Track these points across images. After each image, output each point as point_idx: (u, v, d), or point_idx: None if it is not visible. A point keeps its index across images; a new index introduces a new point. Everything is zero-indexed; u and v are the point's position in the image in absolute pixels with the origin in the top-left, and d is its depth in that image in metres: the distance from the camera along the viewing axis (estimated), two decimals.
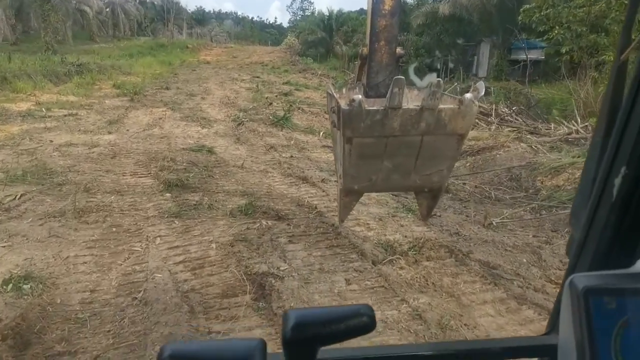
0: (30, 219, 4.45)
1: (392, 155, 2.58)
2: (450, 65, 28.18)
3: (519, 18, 13.00)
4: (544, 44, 22.06)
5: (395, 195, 5.68)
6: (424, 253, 4.01)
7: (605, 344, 0.63)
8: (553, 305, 0.85)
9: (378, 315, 3.08)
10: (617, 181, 0.70)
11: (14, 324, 2.75)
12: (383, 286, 3.46)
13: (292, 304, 3.19)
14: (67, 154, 6.98)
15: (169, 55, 30.41)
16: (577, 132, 7.33)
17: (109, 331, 2.88)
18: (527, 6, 12.97)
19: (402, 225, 4.74)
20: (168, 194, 5.35)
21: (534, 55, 23.23)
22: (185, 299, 3.23)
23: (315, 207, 5.14)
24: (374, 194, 5.65)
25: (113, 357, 2.66)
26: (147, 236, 4.24)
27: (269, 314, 3.13)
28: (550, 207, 5.20)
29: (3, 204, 4.75)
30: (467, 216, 4.97)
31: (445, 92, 2.62)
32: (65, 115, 10.46)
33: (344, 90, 3.25)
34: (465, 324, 2.99)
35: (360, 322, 0.63)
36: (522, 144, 7.00)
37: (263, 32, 71.90)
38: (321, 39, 35.55)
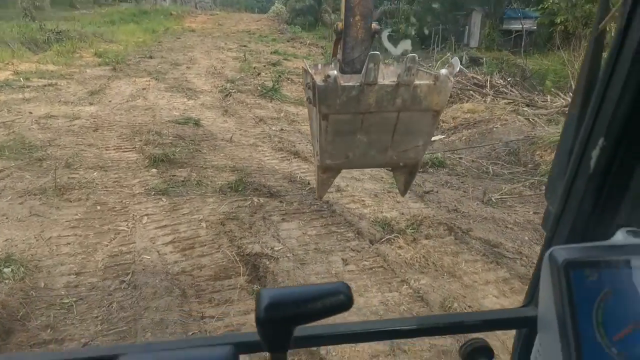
0: (10, 197, 4.22)
1: (368, 131, 2.65)
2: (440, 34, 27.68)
3: None
4: (537, 13, 21.68)
5: (390, 170, 5.52)
6: (423, 231, 3.90)
7: (586, 316, 0.63)
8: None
9: (378, 297, 2.98)
10: (595, 153, 0.69)
11: None
12: (382, 266, 3.35)
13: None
14: (47, 127, 6.66)
15: (152, 22, 29.32)
16: None
17: (96, 317, 2.73)
18: None
19: (398, 202, 4.61)
20: (154, 170, 5.13)
21: (526, 25, 22.89)
22: (176, 282, 3.08)
23: (309, 183, 4.97)
24: (367, 170, 5.50)
25: (102, 345, 2.52)
26: (133, 215, 4.05)
27: None
28: None
29: None
30: (464, 192, 4.85)
31: (421, 68, 2.64)
32: (44, 86, 10.01)
33: (319, 66, 3.19)
34: (469, 306, 2.90)
35: (337, 300, 0.61)
36: (519, 117, 6.86)
37: None
38: (309, 6, 34.56)
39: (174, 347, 0.66)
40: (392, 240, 3.71)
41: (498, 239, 3.77)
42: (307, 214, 4.24)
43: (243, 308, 2.90)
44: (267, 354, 0.62)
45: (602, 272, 0.65)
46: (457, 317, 0.84)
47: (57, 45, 16.52)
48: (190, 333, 2.62)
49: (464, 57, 19.29)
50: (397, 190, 4.87)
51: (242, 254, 3.49)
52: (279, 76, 11.68)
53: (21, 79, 10.47)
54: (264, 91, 10.29)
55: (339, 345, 2.58)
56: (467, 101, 8.32)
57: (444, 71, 2.47)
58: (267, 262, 3.36)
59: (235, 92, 10.31)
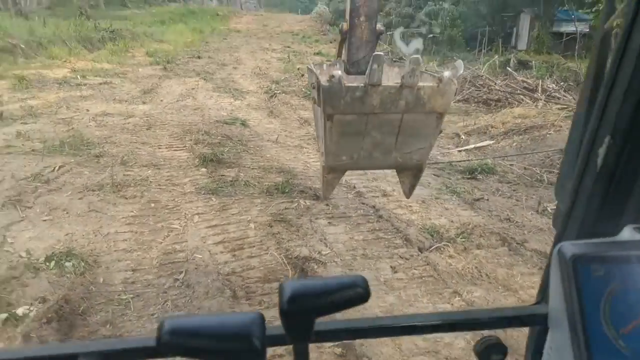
0: (70, 192, 4.43)
1: (373, 132, 2.67)
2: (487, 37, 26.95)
3: None
4: (591, 16, 20.72)
5: (438, 176, 5.43)
6: (474, 240, 3.80)
7: (594, 311, 0.64)
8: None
9: (429, 308, 2.92)
10: (602, 151, 0.70)
11: (57, 306, 2.72)
12: (432, 276, 3.29)
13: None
14: (103, 124, 6.96)
15: (199, 22, 30.12)
16: None
17: (152, 314, 2.82)
18: None
19: (446, 209, 4.52)
20: (204, 169, 5.25)
21: (579, 27, 21.93)
22: (227, 283, 3.14)
23: (354, 187, 4.96)
24: None
25: None
26: (185, 213, 4.17)
27: None
28: None
29: (43, 175, 4.75)
30: (517, 200, 4.69)
31: (425, 70, 2.62)
32: (100, 84, 10.47)
33: (324, 66, 3.19)
34: None
35: (355, 292, 0.64)
36: None
37: (294, 0, 70.36)
38: None
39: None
40: (442, 249, 3.64)
41: None
42: (354, 218, 4.23)
43: None
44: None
45: (610, 267, 0.66)
46: (471, 313, 0.84)
47: (111, 44, 17.24)
48: None
49: (512, 60, 18.71)
50: (445, 197, 4.79)
51: (290, 256, 3.51)
52: None
53: (78, 76, 10.99)
54: (309, 92, 10.33)
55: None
56: (517, 105, 8.06)
57: (447, 73, 2.45)
58: (315, 266, 3.37)
59: (279, 92, 10.42)
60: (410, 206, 4.52)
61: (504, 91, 9.36)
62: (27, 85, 9.54)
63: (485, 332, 0.80)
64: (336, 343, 2.49)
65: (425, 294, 3.08)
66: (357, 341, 2.53)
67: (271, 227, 3.97)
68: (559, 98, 8.21)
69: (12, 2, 23.31)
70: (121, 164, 5.26)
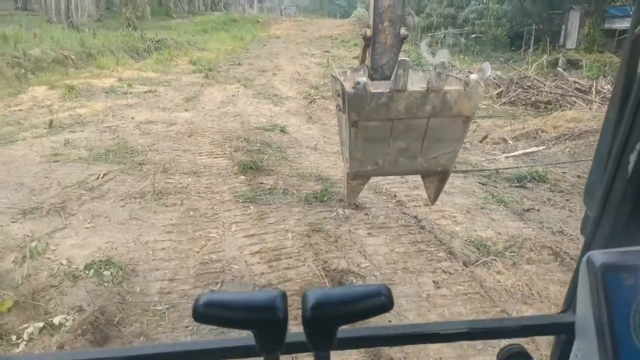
0: (112, 200, 4.51)
1: (398, 138, 2.59)
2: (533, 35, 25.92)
3: None
4: None
5: (484, 184, 5.17)
6: (524, 254, 3.56)
7: (624, 320, 0.63)
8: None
9: None
10: (633, 157, 0.69)
11: (93, 317, 2.72)
12: (478, 293, 3.08)
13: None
14: (147, 132, 7.12)
15: (240, 30, 30.72)
16: None
17: (187, 327, 2.78)
18: None
19: (493, 220, 4.28)
20: (242, 177, 5.24)
21: (628, 24, 20.70)
22: None
23: (395, 195, 4.79)
24: (458, 183, 5.20)
25: None
26: (223, 222, 4.14)
27: None
28: None
29: (87, 183, 4.87)
30: (571, 211, 4.38)
31: (451, 74, 2.53)
32: (145, 92, 10.78)
33: (348, 72, 3.11)
34: None
35: (378, 301, 0.63)
36: None
37: (332, 4, 70.56)
38: None
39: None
40: (489, 264, 3.42)
41: None
42: (394, 229, 4.07)
43: None
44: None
45: (639, 277, 0.65)
46: (496, 322, 0.84)
47: (156, 53, 17.81)
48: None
49: (560, 59, 17.88)
50: (491, 207, 4.55)
51: (327, 269, 3.40)
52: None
53: (124, 85, 11.37)
54: None
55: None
56: (569, 108, 7.61)
57: (474, 76, 2.39)
58: (354, 280, 3.24)
59: (319, 98, 10.37)
60: (454, 217, 4.31)
61: (554, 93, 8.88)
62: (76, 95, 9.95)
63: (509, 341, 0.80)
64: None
65: (471, 312, 2.89)
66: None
67: (309, 237, 3.87)
68: None
69: (64, 15, 24.58)
70: (163, 171, 5.33)
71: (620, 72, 0.77)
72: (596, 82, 8.93)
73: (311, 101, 10.10)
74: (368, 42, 2.77)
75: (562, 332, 0.79)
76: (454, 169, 5.68)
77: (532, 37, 25.77)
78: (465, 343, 2.53)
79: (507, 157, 6.19)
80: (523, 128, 7.34)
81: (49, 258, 3.50)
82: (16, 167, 5.27)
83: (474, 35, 28.90)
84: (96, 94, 10.37)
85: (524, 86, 10.53)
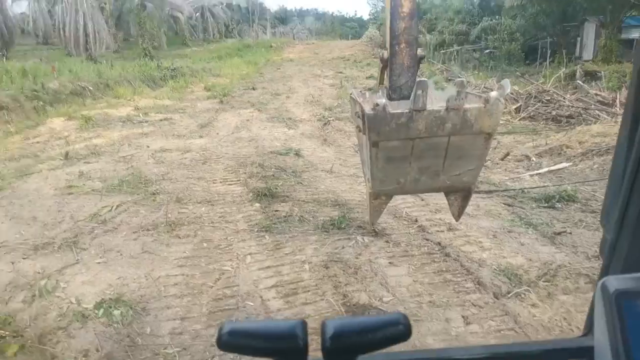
0: (125, 233, 4.40)
1: (419, 157, 2.61)
2: (549, 48, 25.64)
3: None
4: None
5: (509, 205, 4.92)
6: (559, 284, 3.30)
7: (639, 345, 0.62)
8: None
9: None
10: None
11: None
12: (512, 329, 2.84)
13: (400, 349, 2.69)
14: (162, 161, 7.07)
15: (254, 55, 31.18)
16: None
17: None
18: None
19: (522, 244, 4.02)
20: (257, 204, 5.10)
21: None
22: None
23: (416, 220, 4.58)
24: (482, 204, 4.96)
25: None
26: (237, 253, 3.98)
27: None
28: None
29: (100, 215, 4.79)
30: None
31: (470, 91, 2.55)
32: (160, 120, 10.84)
33: (367, 94, 3.11)
34: None
35: (396, 330, 0.64)
36: None
37: (343, 27, 71.55)
38: None
39: None
40: (523, 295, 3.17)
41: None
42: (417, 257, 3.85)
43: None
44: None
45: None
46: (518, 346, 0.84)
47: (172, 82, 18.09)
48: None
49: (577, 71, 17.55)
50: (519, 230, 4.30)
51: (348, 303, 3.20)
52: None
53: (140, 114, 11.47)
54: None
55: None
56: (594, 122, 7.32)
57: (494, 93, 2.38)
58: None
59: (333, 120, 10.28)
60: (480, 242, 4.07)
61: (575, 106, 8.61)
62: (93, 125, 10.05)
63: None
64: None
65: None
66: None
67: (327, 268, 3.68)
68: None
69: (83, 48, 25.28)
70: (176, 201, 5.23)
71: (631, 90, 0.74)
72: (619, 94, 8.63)
73: (325, 123, 10.00)
74: (385, 64, 2.79)
75: (582, 356, 0.77)
76: (477, 190, 5.46)
77: (548, 50, 25.51)
78: None
79: (532, 175, 5.92)
80: (546, 144, 7.08)
81: (58, 296, 3.37)
82: (30, 201, 5.23)
83: (487, 51, 28.77)
84: (112, 123, 10.46)
85: (543, 100, 10.27)
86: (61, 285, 3.51)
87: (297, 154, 7.44)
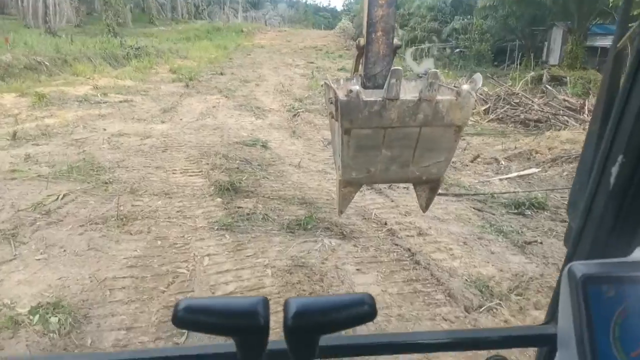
0: (70, 226, 4.02)
1: (390, 146, 2.58)
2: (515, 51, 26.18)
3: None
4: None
5: (479, 210, 4.82)
6: (530, 297, 3.19)
7: (604, 332, 0.64)
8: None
9: None
10: (615, 170, 0.71)
11: None
12: None
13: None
14: (118, 146, 6.62)
15: (224, 39, 30.32)
16: None
17: None
18: None
19: (492, 253, 3.91)
20: (219, 199, 4.79)
21: (609, 42, 21.04)
22: None
23: (385, 223, 4.40)
24: (452, 208, 4.84)
25: None
26: (194, 254, 3.68)
27: None
28: None
29: (44, 205, 4.36)
30: None
31: (443, 83, 2.49)
32: (120, 102, 10.27)
33: (341, 81, 2.99)
34: None
35: (361, 310, 0.63)
36: None
37: (316, 16, 70.87)
38: None
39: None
40: (495, 310, 3.04)
41: None
42: (386, 264, 3.66)
43: None
44: None
45: (620, 288, 0.65)
46: (479, 332, 0.83)
47: (136, 61, 17.26)
48: None
49: (544, 75, 17.94)
50: (489, 237, 4.20)
51: None
52: None
53: (99, 94, 10.83)
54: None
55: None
56: (564, 128, 7.37)
57: (465, 87, 2.34)
58: (342, 332, 2.81)
59: (303, 111, 10.00)
60: (450, 249, 3.94)
61: (544, 111, 8.67)
62: (46, 103, 9.39)
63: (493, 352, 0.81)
64: None
65: None
66: None
67: (290, 274, 3.44)
68: None
69: (42, 20, 23.82)
70: (130, 192, 4.85)
71: (603, 85, 0.78)
72: (587, 101, 8.75)
73: (295, 114, 9.71)
74: (361, 51, 2.66)
75: (544, 343, 0.79)
76: (447, 192, 5.34)
77: (517, 53, 26.01)
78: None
79: (502, 179, 5.87)
80: (515, 148, 7.07)
81: None
82: None
83: (457, 50, 29.07)
84: (68, 102, 9.82)
85: (512, 103, 10.33)
86: None
87: (264, 145, 7.14)
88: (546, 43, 27.02)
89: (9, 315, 2.84)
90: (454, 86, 2.47)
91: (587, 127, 7.47)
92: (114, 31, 25.01)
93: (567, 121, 7.74)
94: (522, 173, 5.91)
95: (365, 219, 4.53)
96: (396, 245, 3.97)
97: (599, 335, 0.63)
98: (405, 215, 4.62)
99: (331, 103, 2.65)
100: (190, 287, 3.24)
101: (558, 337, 0.72)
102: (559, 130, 7.32)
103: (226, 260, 3.63)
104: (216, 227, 4.15)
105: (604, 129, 0.74)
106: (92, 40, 19.68)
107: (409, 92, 2.77)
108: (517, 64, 23.25)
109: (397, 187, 5.39)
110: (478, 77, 2.48)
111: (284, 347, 0.63)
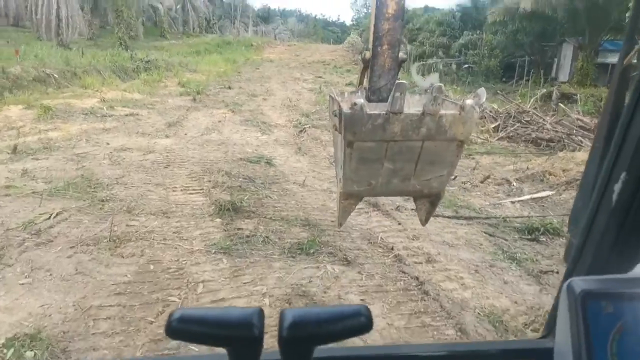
0: (60, 247, 3.83)
1: (392, 159, 2.59)
2: (527, 67, 25.97)
3: (627, 15, 11.18)
4: None
5: (491, 235, 4.57)
6: None
7: (601, 348, 0.63)
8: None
9: None
10: (617, 187, 0.70)
11: None
12: None
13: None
14: (119, 161, 6.47)
15: (234, 52, 30.51)
16: None
17: None
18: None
19: (506, 282, 3.66)
20: (218, 220, 4.59)
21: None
22: None
23: (392, 248, 4.17)
24: (461, 233, 4.60)
25: None
26: (188, 280, 3.47)
27: None
28: None
29: (35, 224, 4.19)
30: None
31: (447, 98, 2.35)
32: (126, 115, 10.18)
33: (346, 94, 2.83)
34: None
35: (357, 322, 0.62)
36: None
37: (326, 30, 71.44)
38: None
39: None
40: None
41: None
42: (392, 294, 3.43)
43: None
44: None
45: (619, 305, 0.64)
46: (477, 346, 0.83)
47: (145, 74, 17.30)
48: None
49: (554, 93, 17.68)
50: (501, 265, 3.96)
51: None
52: None
53: (105, 107, 10.76)
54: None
55: None
56: (578, 149, 7.11)
57: (469, 101, 2.44)
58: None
59: (309, 127, 9.84)
60: (461, 277, 3.69)
61: (557, 131, 8.41)
62: (52, 116, 9.32)
63: None
64: None
65: None
66: None
67: (290, 304, 3.21)
68: None
69: (55, 32, 24.09)
70: (127, 211, 4.67)
71: (608, 102, 0.79)
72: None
73: (301, 130, 9.55)
74: (366, 64, 2.54)
75: (541, 357, 0.77)
76: (457, 215, 5.10)
77: (525, 69, 25.78)
78: None
79: (514, 202, 5.61)
80: (527, 168, 6.81)
81: None
82: None
83: (466, 65, 28.92)
84: (74, 115, 9.76)
85: (523, 121, 10.09)
86: None
87: (269, 162, 6.96)
88: (556, 59, 26.78)
89: None
90: (458, 101, 2.37)
91: None
92: (126, 44, 25.22)
93: (582, 141, 7.48)
94: (535, 196, 5.65)
95: (371, 243, 4.30)
96: (403, 272, 3.73)
97: (596, 350, 0.62)
98: (413, 240, 4.38)
99: (335, 115, 2.57)
100: None
101: (555, 351, 0.71)
102: (573, 151, 7.06)
103: (222, 287, 3.41)
104: (213, 251, 3.95)
105: (607, 146, 0.74)
106: (102, 53, 19.83)
107: (412, 106, 2.69)
108: (525, 80, 23.00)
109: (405, 209, 5.17)
110: (482, 91, 2.38)
111: (277, 359, 0.63)
